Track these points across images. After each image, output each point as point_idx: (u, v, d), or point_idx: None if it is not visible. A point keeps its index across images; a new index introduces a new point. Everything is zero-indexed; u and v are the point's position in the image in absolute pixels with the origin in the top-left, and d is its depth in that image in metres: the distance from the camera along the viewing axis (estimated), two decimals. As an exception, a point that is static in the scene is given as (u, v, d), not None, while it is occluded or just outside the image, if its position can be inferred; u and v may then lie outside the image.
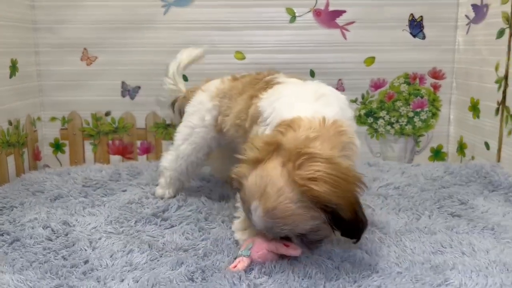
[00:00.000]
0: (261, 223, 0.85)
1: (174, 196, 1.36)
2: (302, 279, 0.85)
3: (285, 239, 0.91)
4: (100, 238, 1.06)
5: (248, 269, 0.89)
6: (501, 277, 0.84)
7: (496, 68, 1.47)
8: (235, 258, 0.94)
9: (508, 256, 0.93)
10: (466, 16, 1.66)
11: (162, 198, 1.35)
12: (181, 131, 1.34)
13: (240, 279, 0.86)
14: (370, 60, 1.73)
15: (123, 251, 0.99)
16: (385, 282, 0.83)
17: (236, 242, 1.03)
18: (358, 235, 0.86)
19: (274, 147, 0.86)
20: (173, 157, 1.35)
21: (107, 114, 1.77)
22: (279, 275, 0.87)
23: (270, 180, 0.83)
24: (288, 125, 0.91)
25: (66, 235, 1.08)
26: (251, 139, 0.95)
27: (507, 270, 0.88)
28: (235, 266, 0.90)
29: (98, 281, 0.86)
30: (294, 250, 0.90)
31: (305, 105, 0.96)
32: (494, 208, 1.22)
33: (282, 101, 1.00)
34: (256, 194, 0.84)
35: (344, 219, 0.82)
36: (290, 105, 0.97)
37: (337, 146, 0.89)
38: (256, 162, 0.86)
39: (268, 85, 1.12)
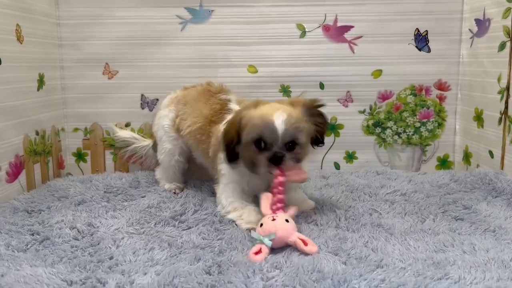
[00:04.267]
0: (283, 124, 1.12)
1: (182, 190, 1.55)
2: (311, 273, 0.92)
3: (279, 162, 1.15)
4: (123, 238, 1.13)
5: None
6: (499, 272, 0.89)
7: (499, 80, 1.53)
8: (252, 238, 1.06)
9: (507, 254, 0.99)
10: (470, 30, 1.73)
11: (171, 191, 1.54)
12: (158, 149, 1.61)
13: (254, 272, 0.92)
14: (378, 73, 1.81)
15: (145, 249, 1.07)
16: (388, 276, 0.89)
17: (250, 240, 1.10)
18: (323, 138, 1.26)
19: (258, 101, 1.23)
20: (162, 169, 1.61)
21: (127, 125, 1.86)
22: (289, 269, 0.94)
23: (280, 106, 1.17)
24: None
25: (91, 235, 1.16)
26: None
27: (505, 266, 0.93)
28: (256, 253, 1.00)
29: (123, 274, 0.94)
30: (312, 249, 1.02)
31: None
32: (497, 212, 1.27)
33: None
34: (274, 109, 1.14)
35: (325, 121, 1.25)
36: None
37: None
38: (255, 105, 1.19)
39: (223, 110, 1.38)
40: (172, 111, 1.56)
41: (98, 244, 1.11)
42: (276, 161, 1.15)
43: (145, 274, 0.94)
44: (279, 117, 1.13)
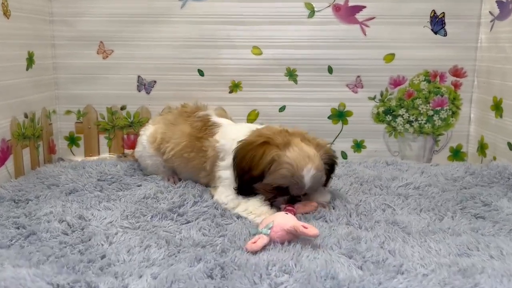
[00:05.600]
0: (310, 180, 1.14)
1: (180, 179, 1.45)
2: (325, 280, 0.83)
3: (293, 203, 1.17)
4: (116, 233, 1.04)
5: (265, 248, 0.96)
6: (532, 282, 0.81)
7: (522, 66, 1.43)
8: (254, 234, 1.00)
9: (537, 260, 0.90)
10: (490, 12, 1.61)
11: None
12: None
13: (260, 277, 0.83)
14: (390, 57, 1.70)
15: (140, 246, 0.98)
16: (411, 285, 0.80)
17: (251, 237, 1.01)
18: (329, 180, 1.28)
19: (283, 134, 1.19)
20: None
21: (123, 108, 1.76)
22: (300, 274, 0.85)
23: (307, 151, 1.15)
24: (265, 128, 1.27)
25: (82, 229, 1.07)
26: (250, 140, 1.21)
27: (538, 274, 0.84)
28: (254, 242, 0.96)
29: (116, 277, 0.85)
30: (313, 231, 0.96)
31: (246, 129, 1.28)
32: (520, 210, 1.18)
33: (237, 135, 1.26)
34: (307, 160, 1.13)
35: (334, 171, 1.28)
36: (245, 132, 1.26)
37: None
38: (285, 145, 1.15)
39: (207, 125, 1.38)
40: (149, 128, 1.52)
41: (90, 240, 1.01)
42: (291, 202, 1.18)
43: (141, 277, 0.85)
44: (309, 173, 1.13)
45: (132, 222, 1.12)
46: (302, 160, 1.13)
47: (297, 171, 1.13)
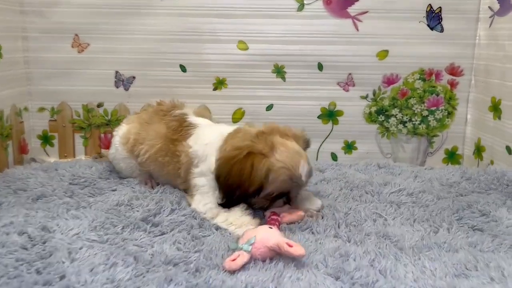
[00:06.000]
0: (307, 175, 1.09)
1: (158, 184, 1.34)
2: (307, 307, 0.74)
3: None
4: (81, 248, 0.94)
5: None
6: (538, 311, 0.72)
7: (523, 66, 1.35)
8: (233, 250, 0.92)
9: (542, 282, 0.82)
10: (490, 8, 1.53)
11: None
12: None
13: (236, 303, 0.75)
14: (383, 54, 1.61)
15: (106, 264, 0.88)
16: (404, 314, 0.72)
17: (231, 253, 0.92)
18: None
19: (262, 138, 1.10)
20: None
21: (99, 105, 1.65)
22: (281, 300, 0.76)
23: (293, 147, 1.10)
24: (237, 133, 1.16)
25: (44, 243, 0.97)
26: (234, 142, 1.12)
27: (544, 301, 0.76)
28: (233, 260, 0.87)
29: (73, 303, 0.75)
30: (298, 251, 0.87)
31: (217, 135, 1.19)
32: (520, 222, 1.10)
33: (209, 140, 1.19)
34: (299, 158, 1.08)
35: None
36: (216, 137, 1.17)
37: None
38: (270, 148, 1.07)
39: (183, 126, 1.28)
40: (122, 129, 1.42)
41: (50, 256, 0.91)
42: (290, 201, 1.15)
43: (101, 303, 0.76)
44: (304, 169, 1.09)
45: (100, 234, 1.02)
46: (295, 159, 1.08)
47: (295, 172, 1.07)
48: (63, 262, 0.89)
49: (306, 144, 1.19)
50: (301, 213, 1.12)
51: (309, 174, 1.11)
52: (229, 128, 1.20)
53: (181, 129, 1.27)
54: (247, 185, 1.06)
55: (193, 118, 1.31)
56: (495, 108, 1.48)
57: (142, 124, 1.37)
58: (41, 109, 1.65)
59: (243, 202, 1.11)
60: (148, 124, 1.36)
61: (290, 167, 1.06)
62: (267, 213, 1.10)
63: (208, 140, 1.18)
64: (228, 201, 1.10)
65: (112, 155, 1.42)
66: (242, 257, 0.88)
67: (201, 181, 1.16)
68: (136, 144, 1.35)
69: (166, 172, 1.29)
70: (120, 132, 1.40)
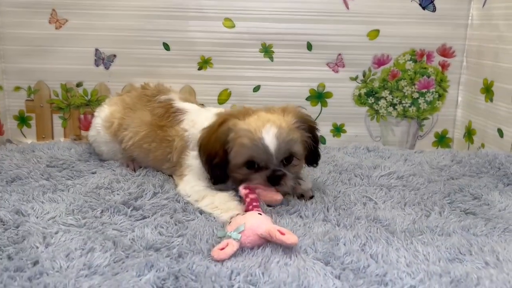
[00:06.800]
0: (274, 142, 0.99)
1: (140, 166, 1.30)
2: (296, 293, 0.70)
3: (278, 182, 1.02)
4: (57, 232, 0.89)
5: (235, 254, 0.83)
6: (536, 296, 0.70)
7: (517, 46, 1.31)
8: (221, 238, 0.87)
9: (537, 267, 0.79)
10: (483, -14, 1.49)
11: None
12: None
13: (221, 290, 0.70)
14: (374, 33, 1.56)
15: (82, 250, 0.83)
16: (397, 301, 0.68)
17: (218, 240, 0.88)
18: (318, 159, 1.13)
19: (245, 109, 1.07)
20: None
21: (79, 85, 1.58)
22: (268, 287, 0.72)
23: (270, 116, 1.03)
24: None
25: (17, 227, 0.92)
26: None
27: (540, 286, 0.73)
28: (222, 249, 0.82)
29: (46, 291, 0.70)
30: (291, 239, 0.83)
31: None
32: (513, 205, 1.08)
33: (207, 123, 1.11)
34: (265, 122, 1.00)
35: (317, 139, 1.10)
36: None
37: None
38: (245, 115, 1.03)
39: (170, 112, 1.24)
40: (104, 110, 1.36)
41: (23, 241, 0.86)
42: (275, 181, 1.02)
43: (76, 290, 0.71)
44: (269, 132, 1.00)
45: (78, 218, 0.97)
46: (259, 123, 1.01)
47: (255, 136, 0.99)
48: (37, 247, 0.84)
49: (299, 118, 1.07)
50: (279, 196, 1.03)
51: (280, 141, 1.00)
52: (221, 110, 1.19)
53: (168, 115, 1.24)
54: (213, 151, 1.03)
55: (179, 104, 1.27)
56: (487, 90, 1.45)
57: (125, 108, 1.32)
58: (17, 88, 1.57)
59: (229, 177, 1.06)
60: (132, 110, 1.31)
61: (251, 129, 1.00)
62: (241, 188, 1.02)
63: (206, 124, 1.11)
64: (212, 174, 1.06)
65: (93, 137, 1.36)
66: (231, 246, 0.83)
67: (195, 163, 1.12)
68: (120, 129, 1.30)
69: (152, 157, 1.25)
70: (102, 114, 1.35)
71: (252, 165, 1.02)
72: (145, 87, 1.37)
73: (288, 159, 1.03)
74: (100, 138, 1.34)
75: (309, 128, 1.08)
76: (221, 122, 1.06)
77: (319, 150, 1.12)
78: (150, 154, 1.25)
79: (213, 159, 1.05)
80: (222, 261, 0.81)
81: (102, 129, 1.33)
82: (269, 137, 0.99)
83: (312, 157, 1.11)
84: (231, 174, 1.06)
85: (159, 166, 1.25)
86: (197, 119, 1.18)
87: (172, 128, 1.21)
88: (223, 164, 1.04)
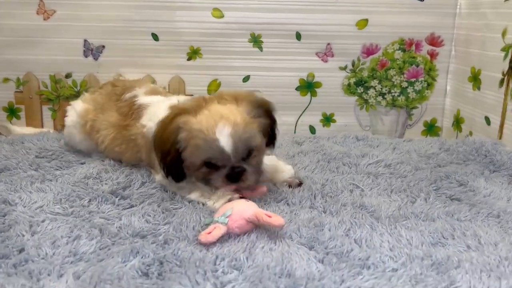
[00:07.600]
0: (230, 141, 0.94)
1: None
2: (279, 277, 0.71)
3: (238, 179, 0.99)
4: (43, 221, 0.90)
5: (221, 240, 0.83)
6: (515, 278, 0.71)
7: (503, 34, 1.32)
8: (206, 225, 0.88)
9: (519, 250, 0.80)
10: (471, -25, 1.49)
11: None
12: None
13: (205, 275, 0.71)
14: (363, 23, 1.56)
15: (69, 237, 0.84)
16: (378, 283, 0.69)
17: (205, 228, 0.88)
18: (274, 140, 1.08)
19: (198, 101, 1.02)
20: None
21: (68, 76, 1.58)
22: (251, 271, 0.73)
23: (222, 111, 0.97)
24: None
25: (4, 216, 0.92)
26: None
27: (521, 268, 0.75)
28: (209, 233, 0.83)
29: (31, 277, 0.71)
30: (278, 221, 0.83)
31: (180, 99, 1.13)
32: (498, 191, 1.09)
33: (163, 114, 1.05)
34: (218, 120, 0.94)
35: (275, 121, 1.05)
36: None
37: None
38: (196, 110, 0.98)
39: (133, 109, 1.20)
40: (79, 105, 1.33)
41: (9, 229, 0.87)
42: (235, 178, 0.99)
43: (61, 276, 0.72)
44: (223, 131, 0.94)
45: (65, 207, 0.97)
46: (212, 121, 0.95)
47: (209, 137, 0.94)
48: (23, 235, 0.85)
49: (254, 105, 1.01)
50: (263, 188, 1.04)
51: (236, 139, 0.95)
52: (182, 99, 1.13)
53: (131, 113, 1.20)
54: (165, 149, 0.99)
55: (142, 99, 1.23)
56: (475, 79, 1.46)
57: (97, 109, 1.30)
58: (6, 80, 1.57)
59: (185, 175, 1.03)
60: (102, 110, 1.28)
61: (203, 129, 0.94)
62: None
63: (162, 115, 1.05)
64: (168, 172, 1.02)
65: (67, 138, 1.36)
66: (218, 229, 0.84)
67: None
68: (92, 131, 1.28)
69: (125, 159, 1.23)
70: (78, 109, 1.32)
71: (210, 164, 0.99)
72: (114, 84, 1.35)
73: (247, 153, 0.99)
74: (75, 138, 1.33)
75: (265, 112, 1.03)
76: (172, 118, 1.00)
77: (277, 131, 1.08)
78: (123, 157, 1.23)
79: (166, 157, 1.01)
80: (209, 244, 0.81)
81: (79, 127, 1.31)
82: (224, 138, 0.94)
83: (269, 139, 1.06)
84: (188, 172, 1.02)
85: (135, 162, 1.22)
86: (157, 112, 1.11)
87: (134, 126, 1.18)
88: (177, 162, 1.00)
